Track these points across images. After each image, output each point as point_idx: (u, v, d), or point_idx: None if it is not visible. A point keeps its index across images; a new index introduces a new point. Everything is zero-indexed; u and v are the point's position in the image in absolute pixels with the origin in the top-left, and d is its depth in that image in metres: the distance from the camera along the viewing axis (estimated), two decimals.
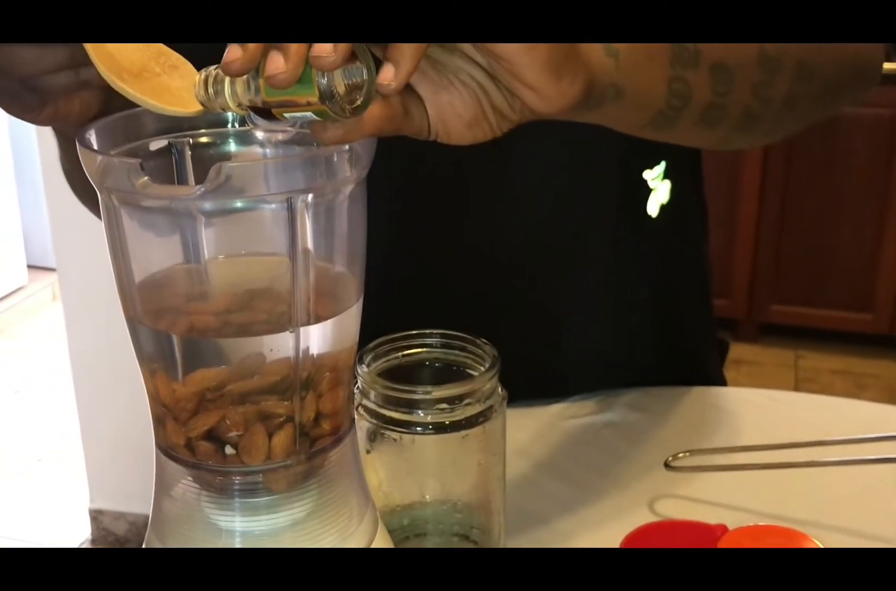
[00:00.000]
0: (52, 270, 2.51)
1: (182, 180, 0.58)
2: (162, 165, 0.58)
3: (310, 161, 0.53)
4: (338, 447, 0.58)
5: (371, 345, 0.72)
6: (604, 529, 0.79)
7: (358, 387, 0.70)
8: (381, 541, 0.61)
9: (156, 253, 0.56)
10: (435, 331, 0.73)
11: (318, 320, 0.55)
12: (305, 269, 0.53)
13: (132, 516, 2.26)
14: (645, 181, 0.92)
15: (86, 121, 0.61)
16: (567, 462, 0.88)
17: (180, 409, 0.55)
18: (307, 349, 0.55)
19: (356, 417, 0.69)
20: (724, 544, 0.70)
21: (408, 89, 0.54)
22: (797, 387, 2.79)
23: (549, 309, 0.95)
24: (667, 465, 0.83)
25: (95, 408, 2.20)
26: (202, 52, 0.55)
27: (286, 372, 0.55)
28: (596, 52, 0.57)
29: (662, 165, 0.92)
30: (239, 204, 0.51)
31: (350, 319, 0.57)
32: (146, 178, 0.50)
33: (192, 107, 0.55)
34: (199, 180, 0.56)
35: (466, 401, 0.69)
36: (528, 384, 0.86)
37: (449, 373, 0.72)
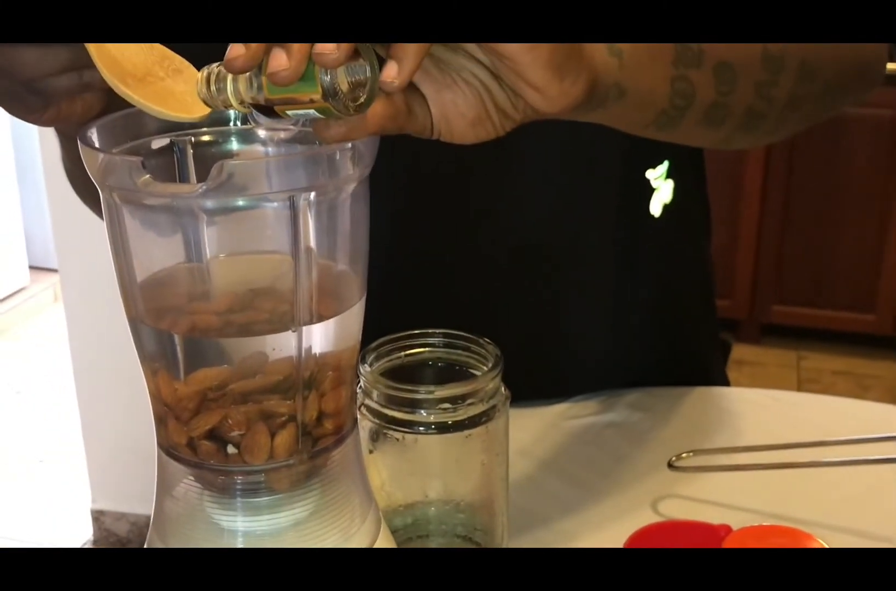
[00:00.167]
0: (54, 270, 2.52)
1: (184, 179, 0.58)
2: (164, 164, 0.58)
3: (312, 159, 0.53)
4: (340, 447, 0.58)
5: (374, 344, 0.71)
6: (607, 529, 0.79)
7: (360, 387, 0.70)
8: (384, 541, 0.61)
9: (157, 252, 0.56)
10: (437, 330, 0.73)
11: (321, 319, 0.55)
12: (308, 267, 0.53)
13: (134, 516, 2.26)
14: (648, 181, 0.91)
15: (88, 122, 0.61)
16: (570, 462, 0.88)
17: (182, 408, 0.55)
18: (309, 348, 0.55)
19: (359, 416, 0.69)
20: (728, 544, 0.70)
21: (411, 87, 0.54)
22: (800, 388, 2.79)
23: (552, 309, 0.94)
24: (670, 465, 0.83)
25: (97, 409, 2.20)
26: (205, 52, 0.55)
27: (288, 371, 0.55)
28: (599, 52, 0.57)
29: (665, 164, 0.92)
30: (241, 202, 0.51)
31: (352, 318, 0.57)
32: (148, 176, 0.50)
33: (196, 112, 0.55)
34: (200, 179, 0.56)
35: (469, 401, 0.68)
36: (530, 384, 0.86)
37: (452, 373, 0.72)
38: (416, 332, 0.73)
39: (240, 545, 0.57)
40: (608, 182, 0.91)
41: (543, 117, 0.56)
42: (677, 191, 0.94)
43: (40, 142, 2.04)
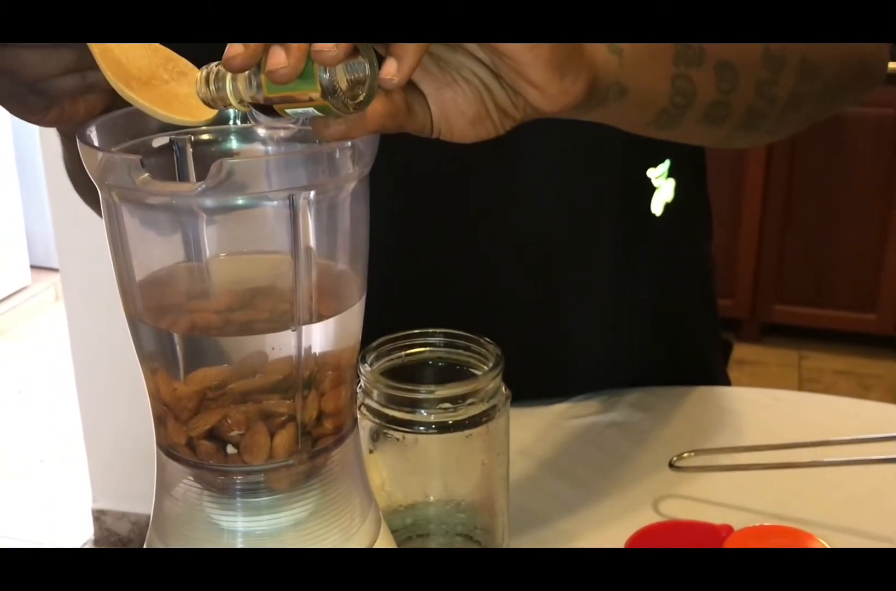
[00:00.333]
0: (55, 270, 2.51)
1: (183, 178, 0.58)
2: (163, 163, 0.57)
3: (312, 158, 0.52)
4: (340, 447, 0.58)
5: (374, 344, 0.71)
6: (608, 529, 0.79)
7: (361, 386, 0.70)
8: (384, 541, 0.61)
9: (157, 251, 0.55)
10: (438, 330, 0.73)
11: (321, 318, 0.55)
12: (307, 267, 0.53)
13: (134, 516, 2.26)
14: (649, 180, 0.91)
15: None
16: (571, 462, 0.88)
17: (181, 408, 0.55)
18: (309, 348, 0.54)
19: (359, 416, 0.68)
20: (729, 544, 0.70)
21: (411, 86, 0.54)
22: (801, 387, 2.79)
23: (552, 308, 0.94)
24: (671, 465, 0.83)
25: (98, 408, 2.20)
26: (206, 52, 0.55)
27: (288, 371, 0.54)
28: (599, 50, 0.57)
29: (667, 163, 0.92)
30: (240, 201, 0.51)
31: (352, 317, 0.57)
32: (147, 174, 0.50)
33: (200, 115, 0.55)
34: (200, 178, 0.56)
35: (470, 400, 0.68)
36: (531, 384, 0.86)
37: (452, 372, 0.72)
38: (417, 331, 0.73)
39: (239, 545, 0.57)
40: (609, 181, 0.91)
41: (543, 116, 0.55)
42: (678, 190, 0.94)
43: (41, 141, 2.04)
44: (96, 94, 0.62)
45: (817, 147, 2.72)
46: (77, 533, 2.31)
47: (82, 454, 2.27)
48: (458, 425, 0.68)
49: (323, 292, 0.54)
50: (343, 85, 0.49)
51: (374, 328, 0.65)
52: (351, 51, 0.48)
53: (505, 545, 0.75)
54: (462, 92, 0.54)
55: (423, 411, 0.68)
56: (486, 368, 0.70)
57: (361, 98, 0.50)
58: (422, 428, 0.68)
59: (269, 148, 0.59)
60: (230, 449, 0.55)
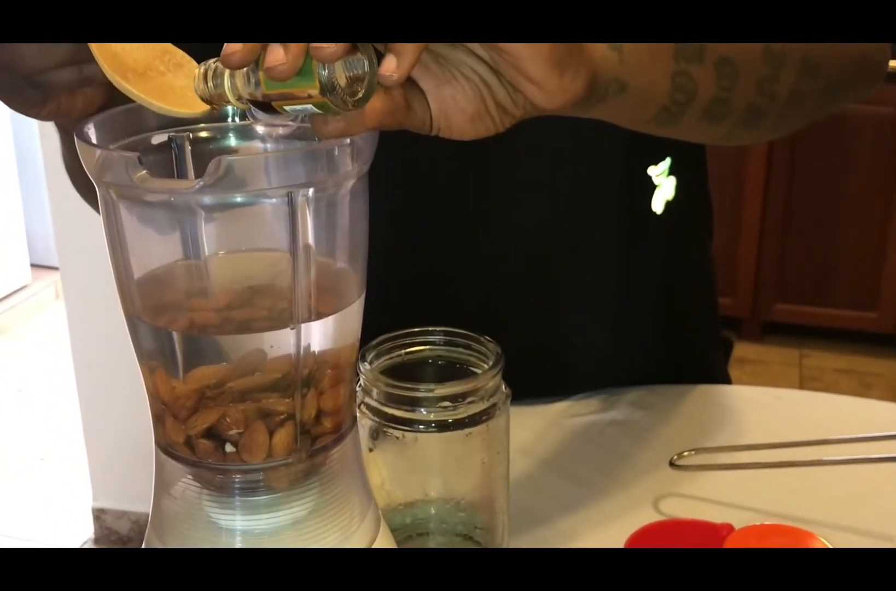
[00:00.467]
0: (56, 268, 2.51)
1: (182, 175, 0.58)
2: (162, 160, 0.57)
3: (311, 155, 0.52)
4: (339, 445, 0.58)
5: (374, 342, 0.71)
6: (608, 528, 0.79)
7: (360, 385, 0.70)
8: (384, 540, 0.61)
9: (155, 249, 0.55)
10: (438, 328, 0.73)
11: (320, 316, 0.54)
12: (306, 265, 0.53)
13: (135, 514, 2.26)
14: (649, 178, 0.91)
15: (88, 116, 0.61)
16: (571, 461, 0.88)
17: (180, 407, 0.55)
18: (308, 346, 0.54)
19: (358, 415, 0.68)
20: (730, 543, 0.69)
21: (410, 83, 0.53)
22: (802, 386, 2.78)
23: (552, 306, 0.94)
24: (671, 464, 0.83)
25: (98, 407, 2.20)
26: (204, 50, 0.55)
27: (287, 369, 0.54)
28: (599, 47, 0.56)
29: (667, 161, 0.91)
30: (239, 198, 0.51)
31: (351, 315, 0.57)
32: (144, 171, 0.50)
33: (196, 107, 0.55)
34: (199, 175, 0.56)
35: (470, 399, 0.68)
36: (531, 383, 0.86)
37: (452, 371, 0.72)
38: (417, 330, 0.73)
39: (238, 545, 0.56)
40: (609, 179, 0.90)
41: (543, 113, 0.55)
42: (679, 188, 0.93)
43: (41, 140, 2.03)
44: (93, 88, 0.62)
45: (818, 145, 2.72)
46: (77, 532, 2.31)
47: (82, 453, 2.27)
48: (458, 424, 0.68)
49: (322, 290, 0.54)
50: (342, 82, 0.49)
51: (374, 327, 0.65)
52: (350, 47, 0.48)
53: (505, 544, 0.74)
54: (461, 89, 0.54)
55: (422, 410, 0.68)
56: (485, 366, 0.70)
57: (360, 95, 0.50)
58: (421, 427, 0.68)
59: (268, 145, 0.59)
60: (229, 448, 0.55)
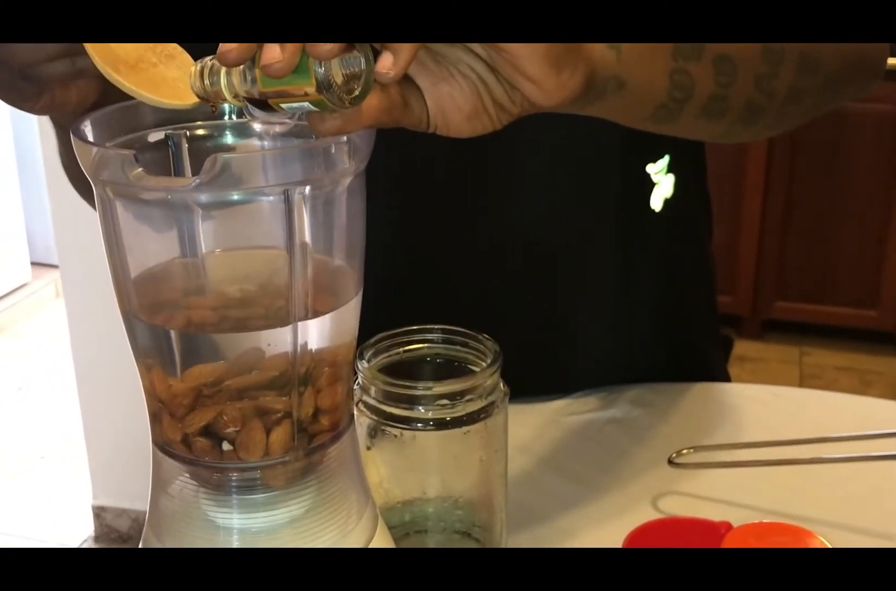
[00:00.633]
0: (56, 267, 2.51)
1: (179, 173, 0.58)
2: (159, 158, 0.57)
3: (308, 153, 0.52)
4: (337, 443, 0.58)
5: (371, 340, 0.71)
6: (606, 526, 0.79)
7: (358, 383, 0.70)
8: (381, 538, 0.61)
9: (152, 247, 0.55)
10: (436, 326, 0.72)
11: (317, 314, 0.54)
12: (303, 262, 0.53)
13: (134, 512, 2.26)
14: (648, 175, 0.91)
15: (83, 110, 0.61)
16: (569, 459, 0.88)
17: (177, 405, 0.55)
18: (305, 344, 0.54)
19: (356, 413, 0.68)
20: (728, 541, 0.69)
21: (407, 80, 0.53)
22: (802, 384, 2.78)
23: (551, 304, 0.94)
24: (670, 461, 0.83)
25: (98, 405, 2.20)
26: (202, 47, 0.55)
27: (284, 367, 0.54)
28: (597, 45, 0.56)
29: (666, 158, 0.91)
30: (235, 196, 0.51)
31: (349, 313, 0.57)
32: (141, 169, 0.50)
33: (188, 99, 0.54)
34: (195, 173, 0.56)
35: (468, 397, 0.68)
36: (530, 380, 0.86)
37: (450, 369, 0.72)
38: (415, 328, 0.72)
39: (236, 543, 0.56)
40: (608, 177, 0.90)
41: (541, 110, 0.55)
42: (678, 185, 0.93)
43: (41, 138, 2.03)
44: (87, 80, 0.61)
45: (818, 143, 2.71)
46: (77, 530, 2.32)
47: (82, 451, 2.27)
48: (456, 422, 0.68)
49: (319, 288, 0.54)
50: (338, 79, 0.49)
51: (372, 325, 0.65)
52: (346, 45, 0.48)
53: (503, 542, 0.74)
54: (459, 86, 0.54)
55: (420, 408, 0.68)
56: (483, 364, 0.70)
57: (357, 92, 0.50)
58: (419, 425, 0.68)
59: (265, 143, 0.59)
60: (226, 446, 0.55)
